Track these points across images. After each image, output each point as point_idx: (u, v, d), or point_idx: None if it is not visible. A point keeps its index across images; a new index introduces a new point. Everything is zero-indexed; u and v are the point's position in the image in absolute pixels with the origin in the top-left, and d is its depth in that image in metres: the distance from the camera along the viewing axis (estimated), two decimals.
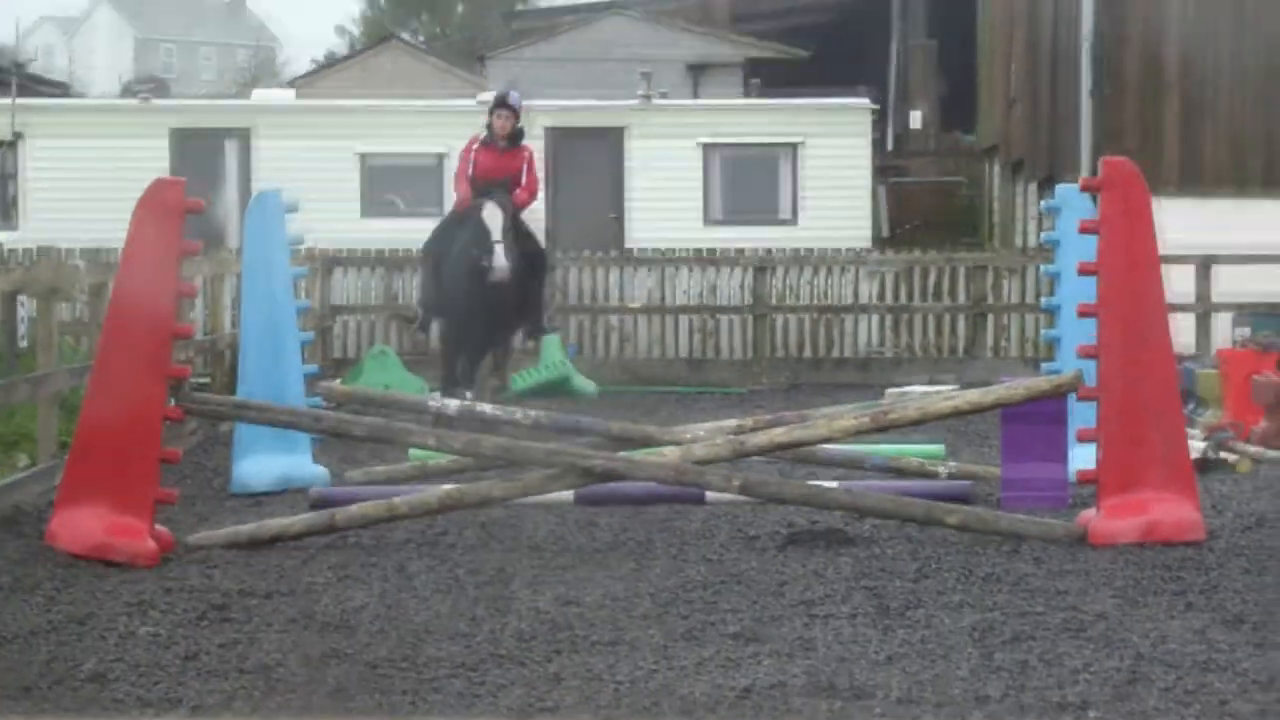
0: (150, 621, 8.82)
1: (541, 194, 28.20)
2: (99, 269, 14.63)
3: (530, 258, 17.89)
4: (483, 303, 17.36)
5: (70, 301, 16.59)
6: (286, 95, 34.87)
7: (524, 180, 17.90)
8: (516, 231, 17.60)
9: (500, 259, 17.06)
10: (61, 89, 46.95)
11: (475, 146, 17.97)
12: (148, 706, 7.31)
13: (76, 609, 9.08)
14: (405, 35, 64.21)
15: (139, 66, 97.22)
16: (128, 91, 43.65)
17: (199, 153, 28.37)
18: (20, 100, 29.23)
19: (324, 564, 10.35)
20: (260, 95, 33.81)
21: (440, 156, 27.83)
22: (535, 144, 28.50)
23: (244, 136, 28.91)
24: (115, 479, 10.38)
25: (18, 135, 28.50)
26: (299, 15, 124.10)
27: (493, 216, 17.26)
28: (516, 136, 17.99)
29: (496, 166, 17.81)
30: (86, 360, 13.41)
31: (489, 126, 17.96)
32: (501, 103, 18.13)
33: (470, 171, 17.85)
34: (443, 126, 28.10)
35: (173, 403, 10.88)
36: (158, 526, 10.56)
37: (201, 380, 17.66)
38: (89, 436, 10.57)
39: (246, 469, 13.50)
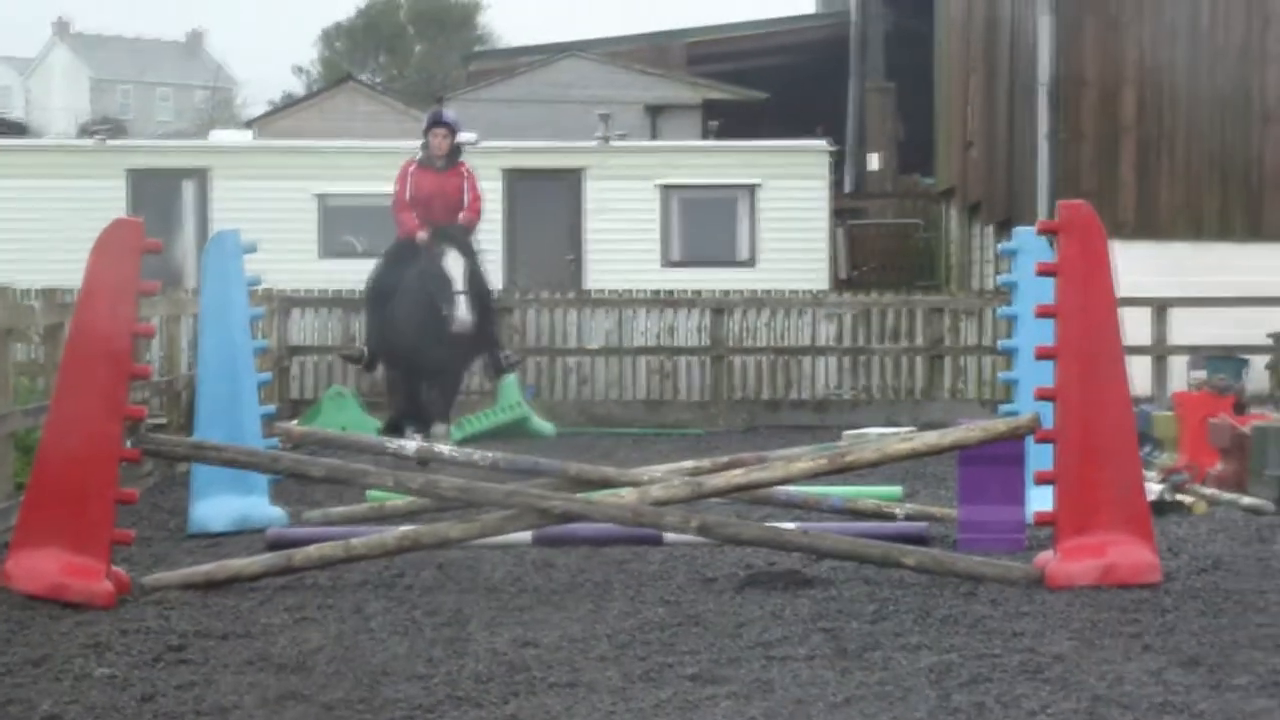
0: (106, 663, 8.78)
1: (499, 233, 28.61)
2: (55, 309, 14.59)
3: (481, 295, 17.64)
4: (437, 345, 17.14)
5: (26, 342, 16.53)
6: (244, 136, 34.84)
7: (466, 200, 17.62)
8: (472, 268, 17.41)
9: (463, 310, 16.83)
10: (17, 129, 46.88)
11: (411, 170, 17.70)
12: None
13: (32, 650, 9.03)
14: (363, 76, 64.27)
15: (95, 107, 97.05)
16: (84, 132, 43.59)
17: (157, 193, 28.33)
18: None
19: (281, 605, 10.31)
20: (218, 136, 33.75)
21: None
22: (492, 185, 28.73)
23: (202, 177, 28.88)
24: (71, 520, 10.33)
25: None
26: (256, 56, 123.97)
27: (455, 265, 17.00)
28: (454, 154, 17.74)
29: (436, 188, 17.52)
30: (43, 400, 13.35)
31: (424, 146, 17.76)
32: (436, 121, 17.90)
33: (409, 194, 17.54)
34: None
35: (129, 443, 10.85)
36: (114, 567, 10.51)
37: (158, 421, 17.59)
38: (45, 477, 10.52)
39: (203, 510, 13.46)
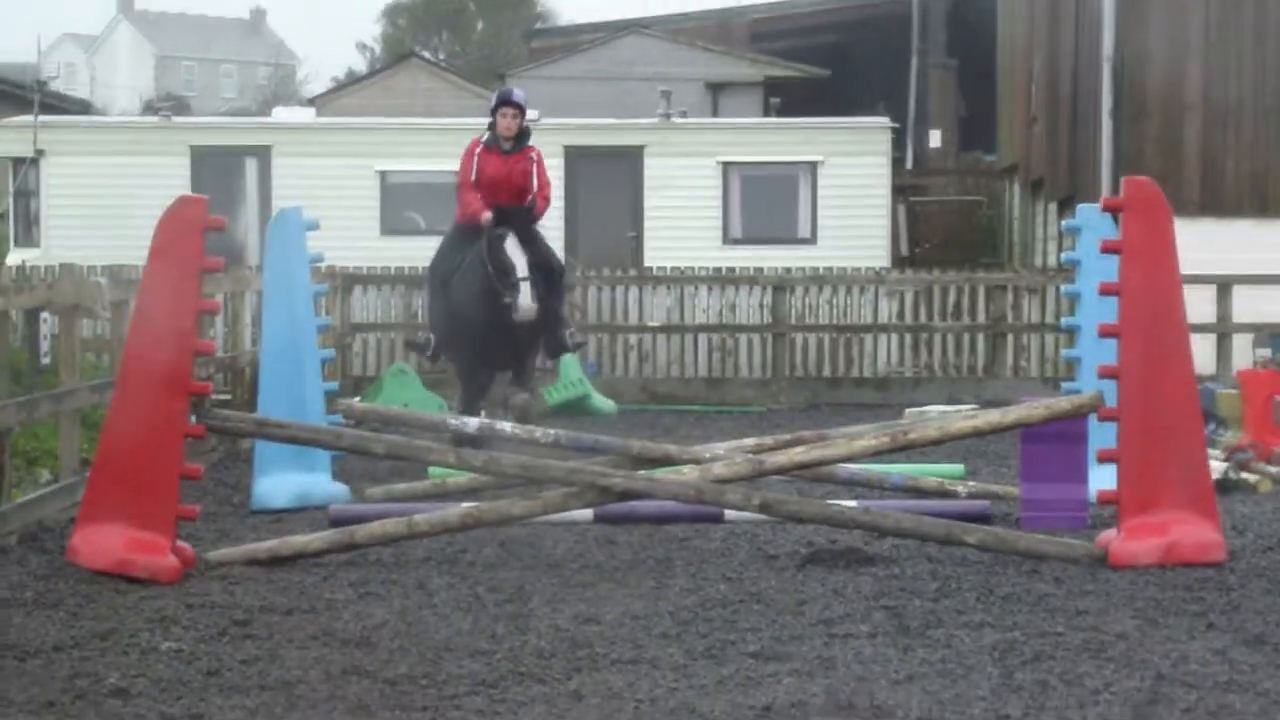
0: (172, 637, 8.84)
1: (560, 211, 28.60)
2: (121, 286, 14.67)
3: (548, 274, 16.37)
4: (500, 333, 15.98)
5: (92, 318, 16.63)
6: (306, 113, 34.93)
7: (534, 184, 16.29)
8: (535, 248, 16.19)
9: (526, 299, 15.62)
10: (82, 107, 47.11)
11: (477, 150, 16.32)
12: None
13: (98, 624, 9.11)
14: (425, 53, 64.35)
15: (159, 84, 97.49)
16: (148, 109, 43.79)
17: (219, 170, 28.44)
18: (42, 118, 29.31)
19: (344, 581, 10.37)
20: (280, 113, 33.85)
21: None
22: (554, 163, 28.69)
23: (264, 154, 28.97)
24: (137, 495, 10.40)
25: (39, 153, 28.58)
26: (319, 33, 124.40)
27: (516, 252, 15.81)
28: (523, 137, 16.36)
29: (503, 171, 16.21)
30: (108, 377, 13.44)
31: (491, 127, 16.38)
32: (505, 100, 16.45)
33: (474, 178, 16.23)
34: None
35: (194, 419, 10.91)
36: (179, 543, 10.58)
37: (222, 397, 17.69)
38: (111, 453, 10.60)
39: (267, 486, 13.53)
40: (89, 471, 11.00)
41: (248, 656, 8.42)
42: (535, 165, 16.29)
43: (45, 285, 14.27)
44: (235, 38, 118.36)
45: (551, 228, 24.79)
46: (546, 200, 16.48)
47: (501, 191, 16.16)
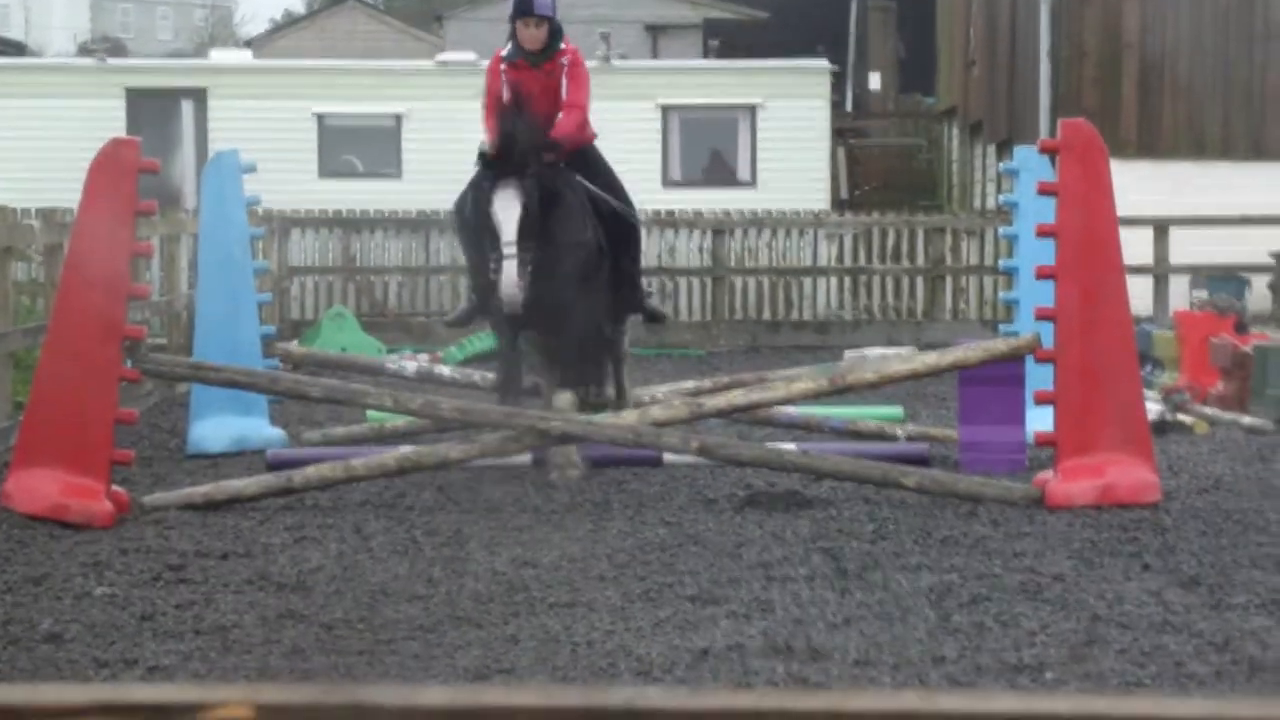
0: (106, 582, 8.79)
1: None
2: (54, 229, 14.56)
3: (612, 221, 12.93)
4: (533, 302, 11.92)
5: (25, 261, 16.50)
6: (244, 55, 34.68)
7: (565, 95, 12.81)
8: (572, 195, 12.46)
9: (508, 282, 11.64)
10: (17, 48, 46.70)
11: (502, 66, 12.90)
12: (103, 667, 7.28)
13: (32, 569, 9.04)
14: None
15: (95, 26, 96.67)
16: (84, 51, 43.43)
17: (155, 113, 28.21)
18: None
19: (280, 525, 10.32)
20: (217, 55, 33.61)
21: (398, 117, 27.76)
22: None
23: (200, 97, 28.76)
24: (71, 440, 10.33)
25: None
26: None
27: (508, 207, 11.85)
28: (553, 44, 12.94)
29: (538, 87, 12.75)
30: (42, 320, 13.34)
31: (512, 38, 13.00)
32: (524, 9, 12.90)
33: (506, 95, 12.60)
34: (400, 87, 28.04)
35: (129, 364, 10.83)
36: (114, 487, 10.51)
37: (158, 341, 17.58)
38: (44, 397, 10.52)
39: (203, 430, 13.46)
40: (22, 416, 10.92)
41: (182, 601, 8.38)
42: (566, 72, 12.88)
43: None
44: None
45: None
46: (578, 120, 12.80)
47: (542, 111, 12.65)
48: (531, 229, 11.85)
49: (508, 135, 12.12)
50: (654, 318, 14.21)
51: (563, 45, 12.98)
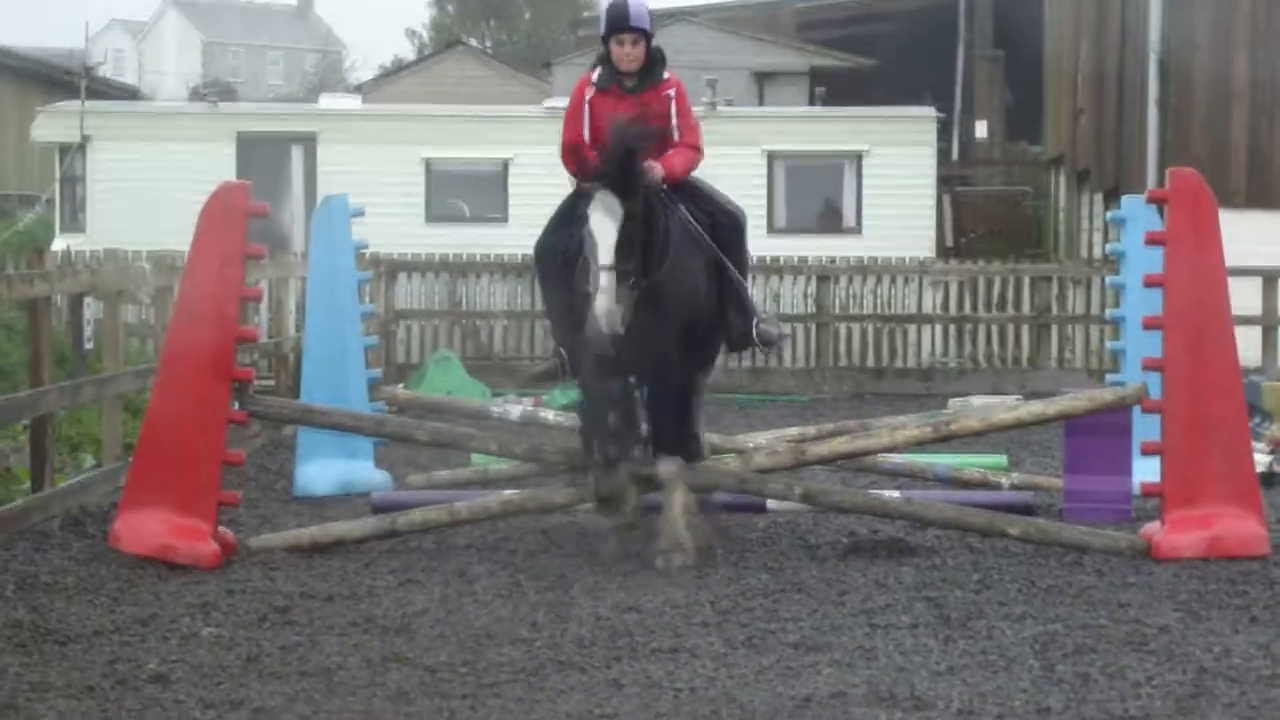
0: (213, 623, 8.86)
1: None
2: (165, 272, 14.71)
3: (723, 234, 11.18)
4: (614, 345, 10.30)
5: (136, 304, 16.69)
6: (353, 101, 34.94)
7: (677, 133, 11.20)
8: (678, 222, 10.90)
9: (604, 309, 10.05)
10: (130, 93, 47.24)
11: (589, 94, 11.29)
12: (209, 708, 7.34)
13: (140, 610, 9.13)
14: (472, 41, 64.39)
15: (206, 70, 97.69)
16: (195, 96, 43.86)
17: (265, 157, 28.47)
18: (89, 104, 29.40)
19: (385, 568, 10.37)
20: (327, 101, 33.85)
21: (505, 162, 27.91)
22: None
23: (310, 141, 28.99)
24: (179, 481, 10.42)
25: (86, 139, 28.66)
26: (366, 20, 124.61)
27: (603, 225, 10.27)
28: (653, 68, 11.31)
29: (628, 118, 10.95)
30: (152, 363, 13.47)
31: (603, 60, 11.34)
32: (618, 23, 11.22)
33: (587, 134, 11.15)
34: (508, 132, 28.18)
35: (237, 406, 10.92)
36: (221, 529, 10.60)
37: (265, 384, 17.72)
38: (153, 439, 10.62)
39: (309, 473, 13.55)
40: (131, 457, 11.02)
41: (288, 643, 8.43)
42: (675, 104, 11.26)
43: (89, 270, 14.31)
44: (282, 25, 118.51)
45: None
46: (691, 162, 11.27)
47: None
48: (633, 249, 10.25)
49: (618, 144, 10.49)
50: (769, 342, 11.44)
51: (666, 75, 11.36)
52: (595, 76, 11.32)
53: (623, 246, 10.21)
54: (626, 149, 10.41)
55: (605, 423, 10.61)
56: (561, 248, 10.78)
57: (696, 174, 11.42)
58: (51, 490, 11.80)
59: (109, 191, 28.46)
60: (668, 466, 10.63)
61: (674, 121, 11.21)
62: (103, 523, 11.37)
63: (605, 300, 10.01)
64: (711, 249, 11.02)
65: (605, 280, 10.07)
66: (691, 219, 11.02)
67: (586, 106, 11.26)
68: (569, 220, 10.86)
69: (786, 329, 12.02)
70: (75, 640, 8.47)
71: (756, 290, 24.25)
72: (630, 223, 10.28)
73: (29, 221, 35.48)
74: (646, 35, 11.25)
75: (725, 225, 11.22)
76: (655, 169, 10.86)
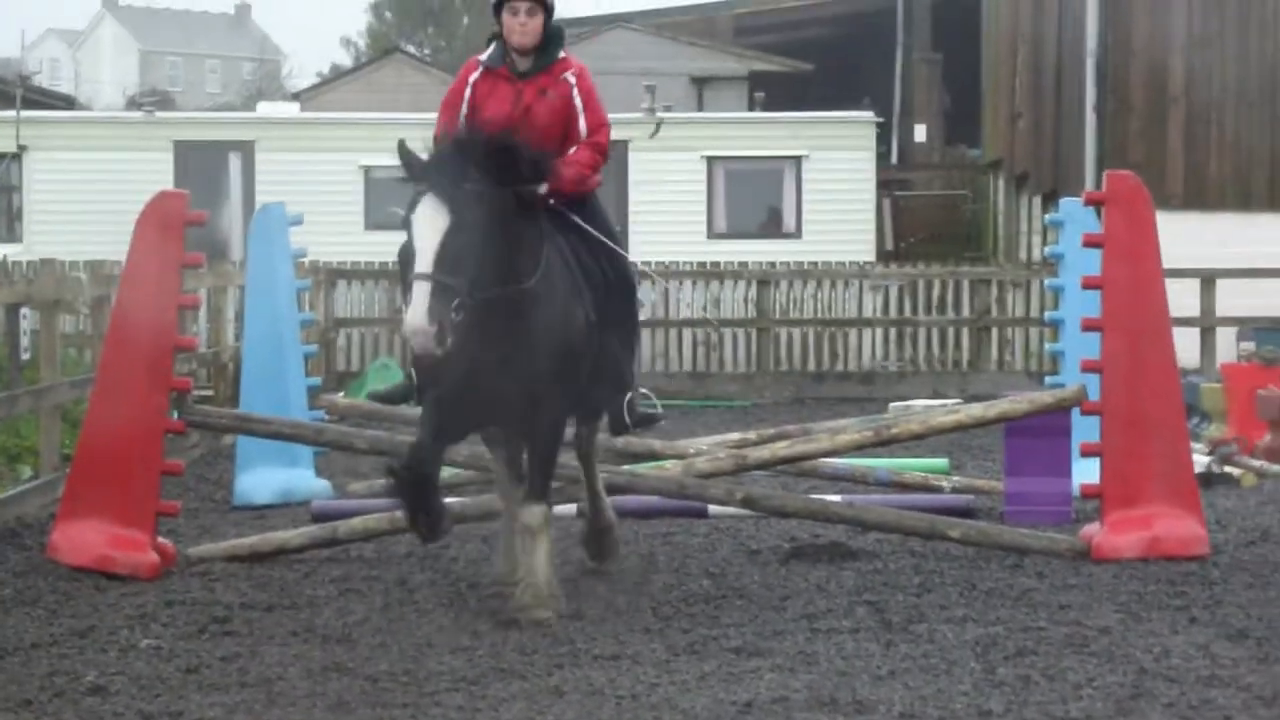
0: (152, 634, 8.81)
1: None
2: (101, 281, 14.63)
3: (605, 289, 9.55)
4: (470, 377, 9.00)
5: (73, 314, 16.59)
6: (291, 108, 34.82)
7: (583, 128, 9.62)
8: (560, 247, 9.32)
9: (413, 325, 8.48)
10: (66, 102, 46.97)
11: (474, 77, 9.75)
12: (148, 719, 7.29)
13: (78, 621, 9.07)
14: (410, 48, 64.27)
15: (144, 79, 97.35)
16: (132, 104, 43.68)
17: (203, 165, 28.34)
18: (25, 113, 29.21)
19: (326, 577, 10.33)
20: (265, 108, 33.77)
21: None
22: None
23: (248, 149, 28.88)
24: (117, 492, 10.36)
25: (22, 148, 28.49)
26: (303, 28, 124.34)
27: (427, 222, 8.66)
28: (550, 47, 9.71)
29: (516, 108, 9.56)
30: (89, 372, 13.39)
31: (496, 36, 9.84)
32: None
33: (463, 119, 9.52)
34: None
35: (175, 415, 10.87)
36: (160, 539, 10.54)
37: (204, 393, 17.64)
38: (91, 449, 10.55)
39: (249, 482, 13.49)
40: (69, 467, 10.96)
41: (228, 653, 8.39)
42: (577, 92, 9.65)
43: (25, 280, 14.23)
44: (220, 33, 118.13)
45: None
46: (593, 162, 9.68)
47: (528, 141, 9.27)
48: (461, 263, 8.52)
49: (470, 137, 8.93)
50: (642, 423, 10.12)
51: (563, 54, 9.71)
52: (485, 57, 9.77)
53: (449, 257, 8.50)
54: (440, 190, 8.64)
55: (419, 482, 9.10)
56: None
57: (602, 209, 9.81)
58: None
59: (45, 201, 28.30)
60: (531, 514, 9.23)
61: (580, 117, 9.59)
62: (40, 534, 11.29)
63: (416, 315, 8.42)
64: (587, 304, 9.28)
65: (419, 292, 8.45)
66: (573, 258, 9.32)
67: (468, 90, 9.68)
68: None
69: (659, 408, 10.21)
70: (12, 653, 8.40)
71: (697, 295, 24.50)
72: (459, 234, 8.55)
73: None
74: (546, 7, 9.65)
75: (615, 281, 9.60)
76: (577, 177, 9.46)
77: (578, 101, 9.65)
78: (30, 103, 32.16)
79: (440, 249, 8.54)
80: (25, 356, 15.25)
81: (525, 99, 9.57)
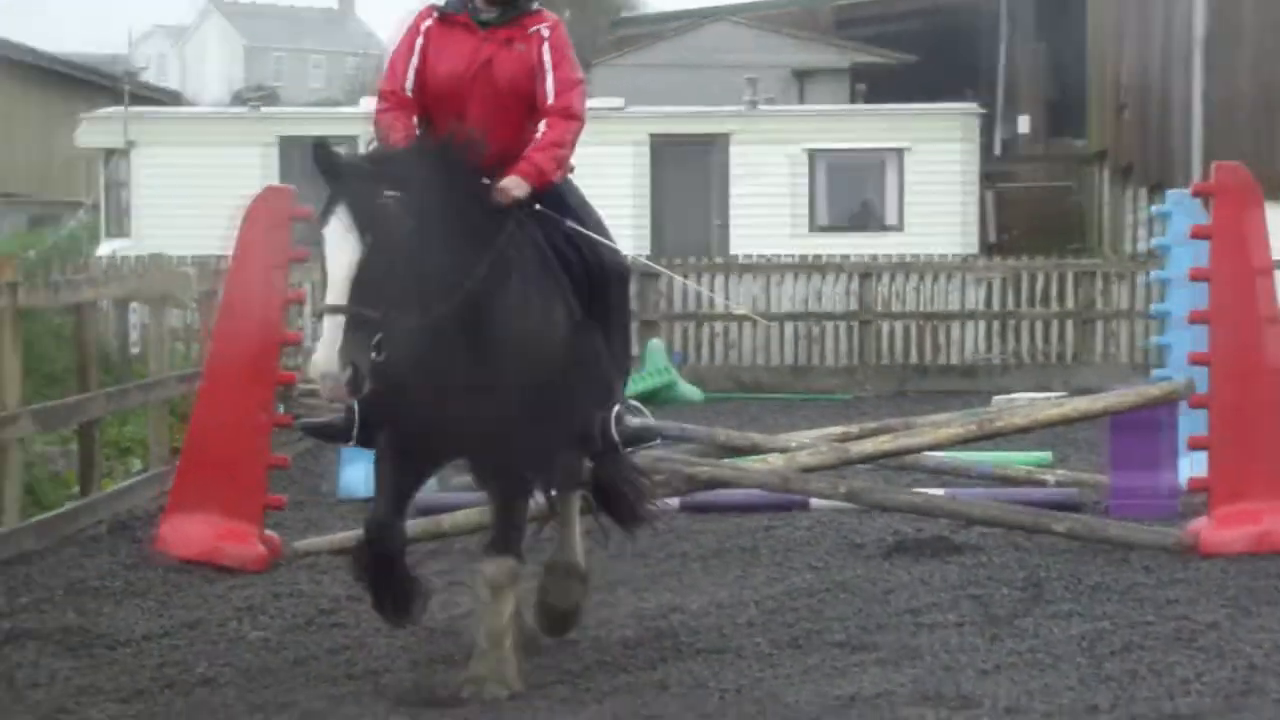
0: (259, 626, 8.88)
1: (646, 200, 28.57)
2: (209, 276, 14.75)
3: (597, 289, 8.07)
4: (424, 409, 7.58)
5: (181, 308, 16.74)
6: None
7: (549, 92, 7.96)
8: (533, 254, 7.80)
9: (320, 367, 7.03)
10: (173, 98, 47.40)
11: (427, 24, 8.21)
12: (257, 710, 7.36)
13: (187, 613, 9.16)
14: None
15: (248, 74, 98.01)
16: (237, 100, 44.00)
17: (308, 160, 28.46)
18: (132, 109, 29.51)
19: (431, 570, 10.36)
20: (368, 103, 33.92)
21: None
22: (638, 150, 28.59)
23: (352, 144, 28.93)
24: (225, 485, 10.45)
25: (130, 144, 28.77)
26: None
27: (336, 252, 7.16)
28: (512, 4, 8.06)
29: (472, 63, 7.99)
30: (196, 367, 13.51)
31: None
32: None
33: (408, 80, 8.12)
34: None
35: (281, 409, 10.95)
36: (267, 532, 10.62)
37: (310, 386, 17.71)
38: (199, 443, 10.66)
39: (354, 475, 13.55)
40: (177, 461, 11.06)
41: (335, 645, 8.45)
42: (546, 49, 8.01)
43: (135, 276, 14.37)
44: (323, 28, 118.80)
45: (634, 217, 24.10)
46: (565, 137, 8.02)
47: (473, 104, 7.96)
48: (380, 290, 7.02)
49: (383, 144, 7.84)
50: (635, 441, 8.31)
51: (536, 5, 8.16)
52: (443, 2, 8.21)
53: (363, 285, 7.03)
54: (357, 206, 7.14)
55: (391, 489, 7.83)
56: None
57: (585, 200, 8.29)
58: (99, 495, 11.87)
59: (153, 196, 28.55)
60: (496, 568, 7.73)
61: (546, 79, 7.96)
62: (149, 526, 11.40)
63: (325, 357, 6.98)
64: (566, 295, 7.85)
65: (329, 328, 7.03)
66: (544, 244, 7.86)
67: (420, 41, 8.16)
68: None
69: (652, 420, 8.45)
70: (124, 644, 8.50)
71: (798, 289, 24.48)
72: (380, 254, 7.05)
73: (73, 227, 35.63)
74: None
75: (600, 277, 8.05)
76: (513, 189, 7.75)
77: (546, 58, 7.97)
78: (137, 99, 32.54)
79: (357, 274, 7.03)
80: (134, 351, 15.43)
81: (485, 52, 7.98)
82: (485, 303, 7.45)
